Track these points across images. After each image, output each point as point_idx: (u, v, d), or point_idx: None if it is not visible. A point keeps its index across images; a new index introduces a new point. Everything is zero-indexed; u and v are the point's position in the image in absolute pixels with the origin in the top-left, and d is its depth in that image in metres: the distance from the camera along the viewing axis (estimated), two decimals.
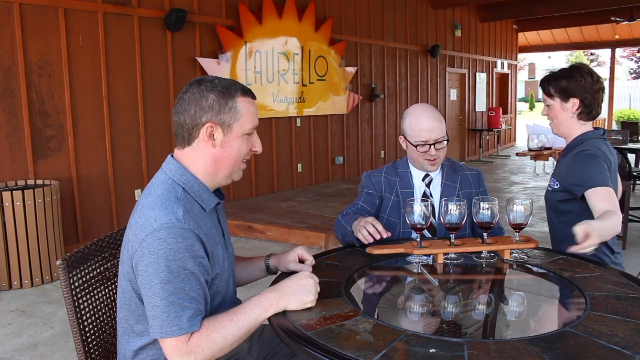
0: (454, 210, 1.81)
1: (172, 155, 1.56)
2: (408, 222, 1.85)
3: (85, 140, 5.53)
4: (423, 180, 2.31)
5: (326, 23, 8.39)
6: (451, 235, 1.88)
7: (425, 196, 2.28)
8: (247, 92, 1.55)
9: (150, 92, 6.11)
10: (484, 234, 1.90)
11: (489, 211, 1.86)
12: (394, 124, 10.41)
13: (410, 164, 2.34)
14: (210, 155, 1.52)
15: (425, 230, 2.09)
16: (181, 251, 1.36)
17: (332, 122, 8.92)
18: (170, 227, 1.37)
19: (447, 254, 1.88)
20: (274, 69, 7.65)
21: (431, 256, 1.90)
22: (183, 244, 1.37)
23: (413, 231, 1.96)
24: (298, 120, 8.25)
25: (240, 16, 7.03)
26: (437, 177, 2.32)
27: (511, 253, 1.89)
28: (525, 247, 1.89)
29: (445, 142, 2.23)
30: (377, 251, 1.88)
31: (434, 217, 2.23)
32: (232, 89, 1.51)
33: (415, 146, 2.22)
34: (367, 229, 1.92)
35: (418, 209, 1.82)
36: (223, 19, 6.91)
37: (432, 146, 2.20)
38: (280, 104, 7.86)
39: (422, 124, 2.21)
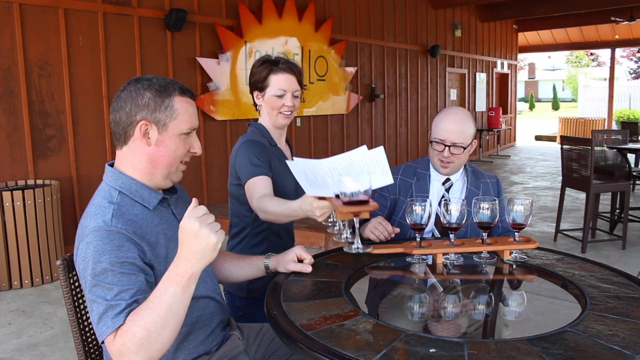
0: (454, 211, 1.81)
1: (109, 164, 1.57)
2: (408, 221, 1.85)
3: (85, 140, 5.53)
4: (443, 184, 2.31)
5: (326, 23, 8.39)
6: (451, 236, 1.88)
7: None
8: (186, 92, 1.56)
9: None
10: (484, 234, 1.90)
11: (489, 211, 1.86)
12: (393, 124, 10.42)
13: (431, 166, 2.33)
14: (146, 154, 1.52)
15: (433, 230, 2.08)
16: (106, 252, 1.35)
17: (332, 122, 8.92)
18: (96, 231, 1.38)
19: (447, 254, 1.88)
20: None
21: (431, 256, 1.90)
22: (109, 245, 1.36)
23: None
24: (298, 120, 8.25)
25: (240, 16, 7.03)
26: (458, 181, 2.31)
27: (511, 253, 1.89)
28: (526, 248, 1.89)
29: (463, 149, 2.20)
30: (377, 251, 1.88)
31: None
32: (169, 87, 1.51)
33: (432, 142, 2.24)
34: (379, 229, 1.96)
35: (418, 209, 1.82)
36: (223, 19, 6.91)
37: (448, 148, 2.19)
38: None
39: (444, 122, 2.21)
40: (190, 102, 1.55)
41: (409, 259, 1.90)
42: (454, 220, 1.85)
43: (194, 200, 1.39)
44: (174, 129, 1.51)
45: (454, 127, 2.19)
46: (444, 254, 1.88)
